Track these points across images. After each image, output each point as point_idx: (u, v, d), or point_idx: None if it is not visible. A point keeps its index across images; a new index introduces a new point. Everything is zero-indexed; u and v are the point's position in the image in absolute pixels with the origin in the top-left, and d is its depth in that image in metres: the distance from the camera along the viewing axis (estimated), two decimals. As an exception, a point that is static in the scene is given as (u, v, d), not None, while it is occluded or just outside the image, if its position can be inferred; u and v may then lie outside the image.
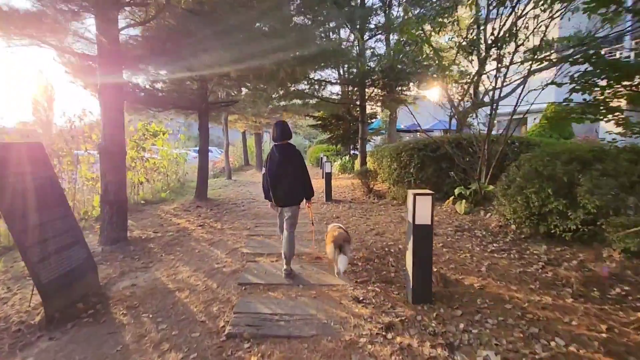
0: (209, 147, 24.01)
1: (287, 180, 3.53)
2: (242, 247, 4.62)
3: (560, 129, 11.98)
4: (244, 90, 10.41)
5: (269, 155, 3.65)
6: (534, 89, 5.25)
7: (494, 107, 5.48)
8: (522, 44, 5.39)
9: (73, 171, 6.04)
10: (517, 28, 5.20)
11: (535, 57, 4.46)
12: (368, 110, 13.69)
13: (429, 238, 2.84)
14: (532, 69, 4.87)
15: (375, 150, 9.77)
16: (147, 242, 4.90)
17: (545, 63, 4.31)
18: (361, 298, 3.05)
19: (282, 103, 12.24)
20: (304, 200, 3.70)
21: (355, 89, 14.18)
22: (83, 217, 6.03)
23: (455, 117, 8.76)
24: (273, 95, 11.82)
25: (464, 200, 5.41)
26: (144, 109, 7.39)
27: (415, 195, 2.79)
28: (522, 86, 5.36)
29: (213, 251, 4.55)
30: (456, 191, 5.71)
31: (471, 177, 5.73)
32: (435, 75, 9.86)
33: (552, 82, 3.71)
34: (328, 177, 8.26)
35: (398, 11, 11.06)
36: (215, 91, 7.86)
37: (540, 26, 5.03)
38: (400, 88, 10.12)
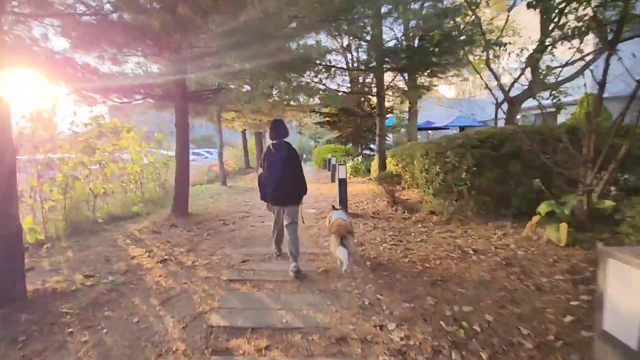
0: (209, 149, 22.25)
1: (286, 180, 3.51)
2: (213, 311, 2.76)
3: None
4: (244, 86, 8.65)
5: (266, 155, 3.62)
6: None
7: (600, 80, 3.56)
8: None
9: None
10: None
11: None
12: (382, 103, 11.79)
13: None
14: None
15: (400, 149, 7.86)
16: (61, 299, 3.03)
17: None
18: None
19: (286, 96, 10.42)
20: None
21: (369, 78, 12.31)
22: None
23: (507, 103, 6.83)
24: (274, 91, 10.06)
25: (562, 224, 3.46)
26: (100, 98, 5.58)
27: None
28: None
29: (162, 320, 2.68)
30: (542, 208, 3.77)
31: (568, 185, 3.80)
32: (474, 55, 7.96)
33: None
34: (343, 184, 6.36)
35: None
36: (192, 73, 6.02)
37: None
38: (428, 71, 8.22)
